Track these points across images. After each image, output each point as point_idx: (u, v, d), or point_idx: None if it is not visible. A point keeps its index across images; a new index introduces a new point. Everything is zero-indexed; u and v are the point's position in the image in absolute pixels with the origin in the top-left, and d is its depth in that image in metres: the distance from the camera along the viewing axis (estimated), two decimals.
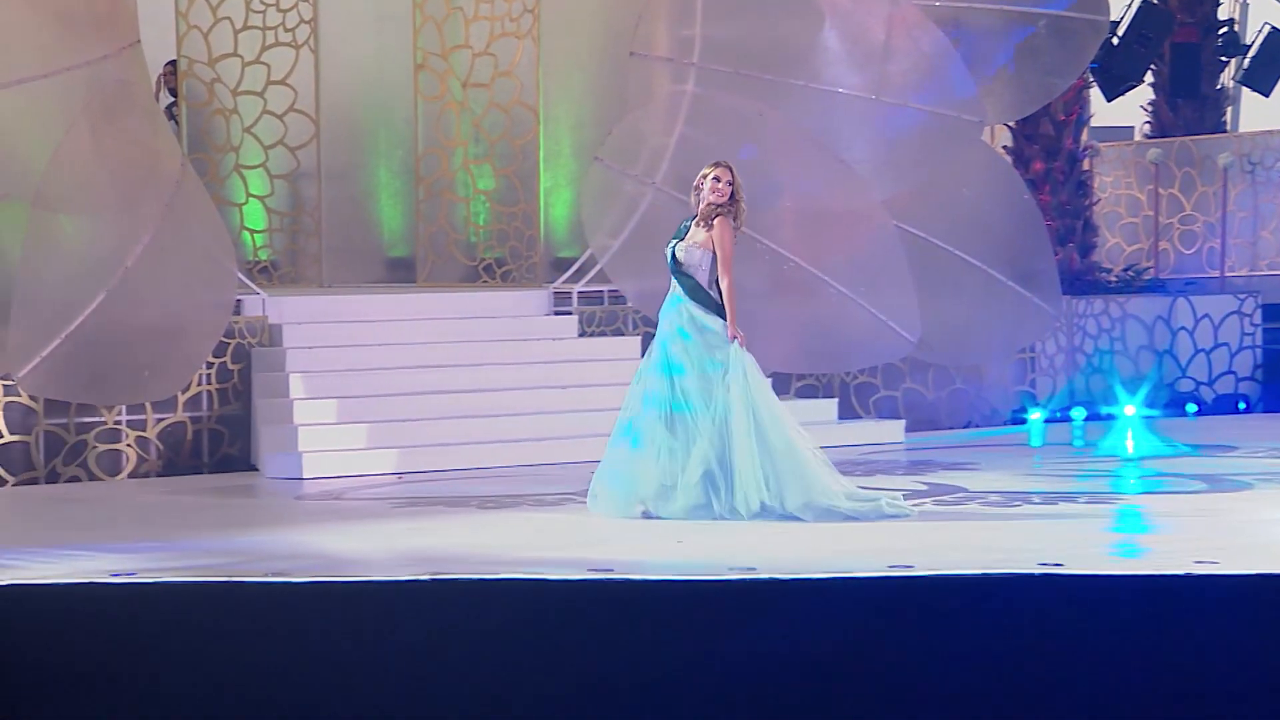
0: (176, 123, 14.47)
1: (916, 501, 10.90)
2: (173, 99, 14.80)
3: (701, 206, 10.39)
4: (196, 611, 8.11)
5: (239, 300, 12.85)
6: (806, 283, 13.57)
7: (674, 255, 10.37)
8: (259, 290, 13.28)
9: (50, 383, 11.64)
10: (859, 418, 14.59)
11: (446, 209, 15.26)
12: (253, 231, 14.89)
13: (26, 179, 11.41)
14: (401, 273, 15.49)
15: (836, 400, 14.42)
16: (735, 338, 10.26)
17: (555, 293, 14.26)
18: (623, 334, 14.21)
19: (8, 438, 12.10)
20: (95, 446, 12.35)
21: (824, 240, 13.64)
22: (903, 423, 14.40)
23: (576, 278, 14.34)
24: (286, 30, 14.78)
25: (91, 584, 8.22)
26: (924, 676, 7.89)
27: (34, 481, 12.11)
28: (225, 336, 12.64)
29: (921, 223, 13.81)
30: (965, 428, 15.01)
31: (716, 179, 10.37)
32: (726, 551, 9.20)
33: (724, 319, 10.28)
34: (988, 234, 14.00)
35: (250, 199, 14.86)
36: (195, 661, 7.90)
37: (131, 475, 12.39)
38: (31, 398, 12.06)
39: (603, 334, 14.16)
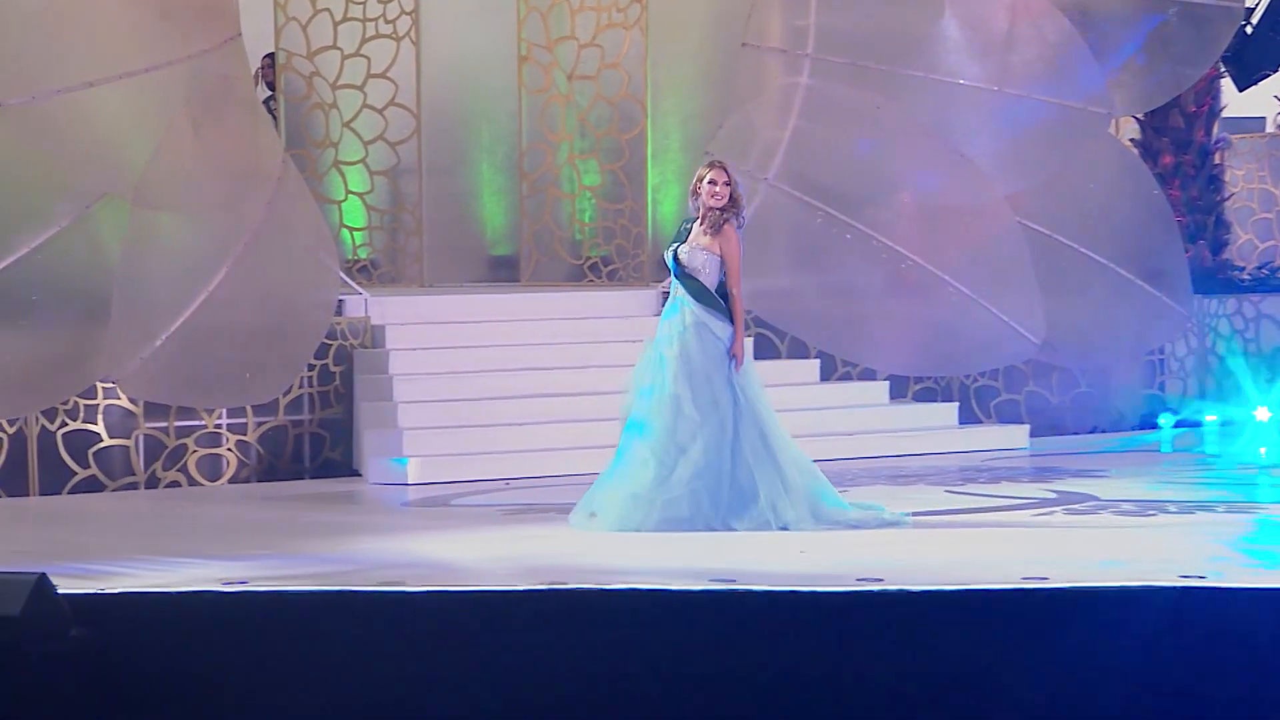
0: (274, 117, 14.65)
1: (1046, 510, 10.94)
2: (270, 93, 14.98)
3: (702, 211, 10.38)
4: (310, 620, 8.25)
5: (340, 300, 13.02)
6: (925, 282, 13.59)
7: (676, 258, 10.37)
8: (361, 290, 13.45)
9: (150, 385, 11.83)
10: (980, 422, 14.60)
11: (551, 206, 15.38)
12: (352, 229, 15.06)
13: (127, 176, 11.60)
14: (504, 272, 15.63)
15: (957, 404, 14.43)
16: (736, 357, 10.25)
17: (663, 292, 14.31)
18: None
19: (107, 441, 12.32)
20: (195, 450, 12.55)
21: (944, 237, 13.65)
22: (1026, 427, 14.40)
23: None
24: (387, 22, 14.94)
25: (204, 592, 8.38)
26: (1061, 692, 7.93)
27: (133, 486, 12.32)
28: (327, 338, 12.81)
29: (1046, 219, 13.79)
30: (1091, 433, 14.98)
31: (712, 182, 10.35)
32: (851, 561, 9.26)
33: (732, 326, 10.28)
34: (1115, 231, 13.97)
35: (349, 196, 15.02)
36: (310, 671, 8.04)
37: (231, 480, 12.59)
38: (131, 400, 12.28)
39: None
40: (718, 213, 10.32)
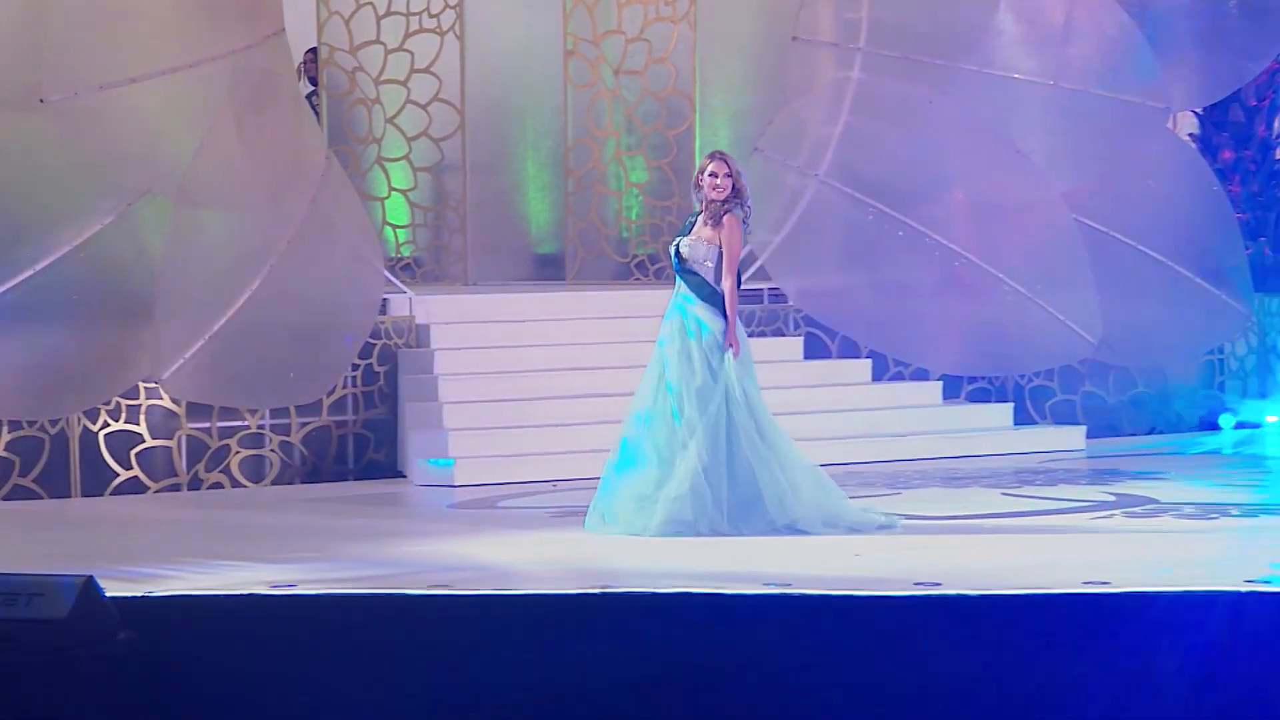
0: (316, 113, 14.70)
1: (1106, 514, 10.94)
2: (312, 88, 15.04)
3: (705, 204, 10.41)
4: (359, 624, 8.31)
5: (384, 299, 13.08)
6: (979, 280, 13.60)
7: (678, 251, 10.41)
8: (406, 289, 13.51)
9: (193, 385, 11.91)
10: (1035, 423, 14.59)
11: (597, 203, 15.42)
12: (395, 227, 15.11)
13: (170, 173, 11.68)
14: (550, 270, 15.65)
15: (1012, 405, 14.42)
16: (729, 346, 10.26)
17: None
18: (784, 334, 14.30)
19: (149, 442, 12.40)
20: (238, 452, 12.62)
21: (998, 235, 13.66)
22: (1083, 429, 14.39)
23: None
24: (431, 16, 14.98)
25: (252, 595, 8.45)
26: (1122, 697, 7.94)
27: (176, 488, 12.40)
28: (371, 337, 12.86)
29: (1103, 216, 13.79)
30: (1149, 434, 14.96)
31: (713, 174, 10.38)
32: (907, 565, 9.28)
33: (726, 321, 10.31)
34: (1174, 228, 13.96)
35: (393, 193, 15.06)
36: (358, 674, 8.10)
37: (274, 482, 12.65)
38: (174, 401, 12.35)
39: (763, 334, 14.25)
40: (719, 204, 10.37)
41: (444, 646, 8.17)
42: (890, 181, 13.63)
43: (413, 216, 15.16)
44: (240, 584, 8.76)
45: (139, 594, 8.39)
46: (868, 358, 14.23)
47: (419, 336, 13.29)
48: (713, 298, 10.34)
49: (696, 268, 10.36)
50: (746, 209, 10.43)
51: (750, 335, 14.05)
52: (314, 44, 14.82)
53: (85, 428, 12.22)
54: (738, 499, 10.19)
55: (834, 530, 10.16)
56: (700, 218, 10.46)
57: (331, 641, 8.21)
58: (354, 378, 12.95)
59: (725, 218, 10.33)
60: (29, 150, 11.47)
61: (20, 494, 12.02)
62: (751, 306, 14.24)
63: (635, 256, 15.43)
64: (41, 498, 12.05)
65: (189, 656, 8.09)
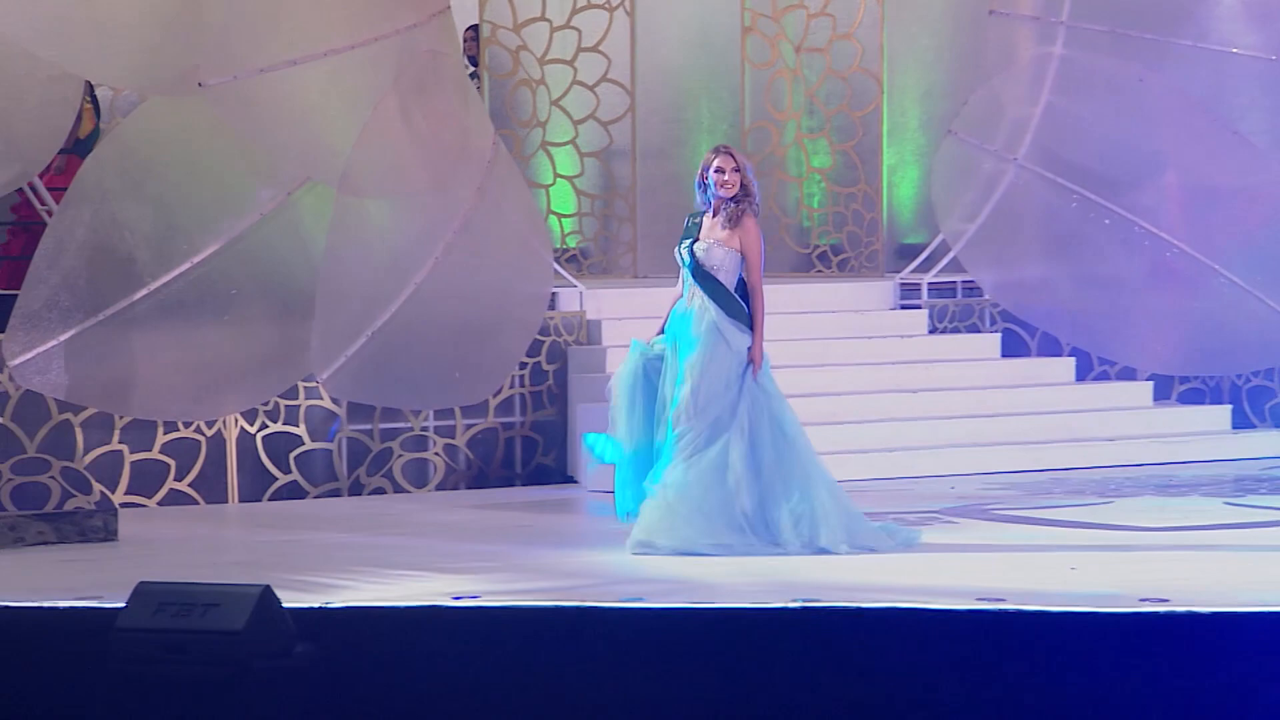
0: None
1: None
2: (472, 69, 15.24)
3: (714, 203, 10.42)
4: (548, 638, 8.43)
5: (553, 293, 13.23)
6: (1193, 271, 13.55)
7: (693, 255, 10.41)
8: (576, 282, 13.65)
9: (354, 385, 12.07)
10: (1254, 427, 14.52)
11: (777, 190, 15.50)
12: (561, 216, 15.28)
13: (332, 161, 11.85)
14: None
15: (1230, 407, 14.36)
16: (753, 362, 10.30)
17: (901, 284, 14.43)
18: (979, 330, 14.33)
19: (309, 445, 12.63)
20: (400, 455, 12.83)
21: (1214, 223, 13.60)
22: None
23: (925, 267, 14.50)
24: None
25: (434, 607, 8.60)
26: None
27: (336, 493, 12.62)
28: (539, 334, 13.02)
29: None
30: None
31: (720, 170, 10.40)
32: (1128, 580, 9.31)
33: (749, 333, 10.33)
34: None
35: (558, 180, 15.24)
36: (548, 691, 8.22)
37: (439, 487, 12.85)
38: (334, 401, 12.58)
39: (956, 331, 14.30)
40: (732, 204, 10.40)
41: (639, 662, 8.27)
42: (1096, 166, 13.61)
43: (579, 205, 15.31)
44: (420, 595, 8.92)
45: (316, 605, 8.55)
46: (1071, 356, 14.23)
47: (589, 332, 13.43)
48: (730, 306, 10.39)
49: (714, 272, 10.42)
50: (755, 207, 10.49)
51: (943, 332, 14.24)
52: (475, 21, 15.01)
53: (243, 429, 12.47)
54: (761, 515, 10.29)
55: (856, 549, 10.19)
56: (708, 217, 10.50)
57: (519, 656, 8.32)
58: (522, 377, 13.13)
59: (745, 219, 10.38)
60: (186, 137, 11.70)
61: (176, 498, 12.30)
62: (945, 301, 14.29)
63: (817, 247, 15.50)
64: (198, 503, 12.32)
65: (369, 670, 8.24)
